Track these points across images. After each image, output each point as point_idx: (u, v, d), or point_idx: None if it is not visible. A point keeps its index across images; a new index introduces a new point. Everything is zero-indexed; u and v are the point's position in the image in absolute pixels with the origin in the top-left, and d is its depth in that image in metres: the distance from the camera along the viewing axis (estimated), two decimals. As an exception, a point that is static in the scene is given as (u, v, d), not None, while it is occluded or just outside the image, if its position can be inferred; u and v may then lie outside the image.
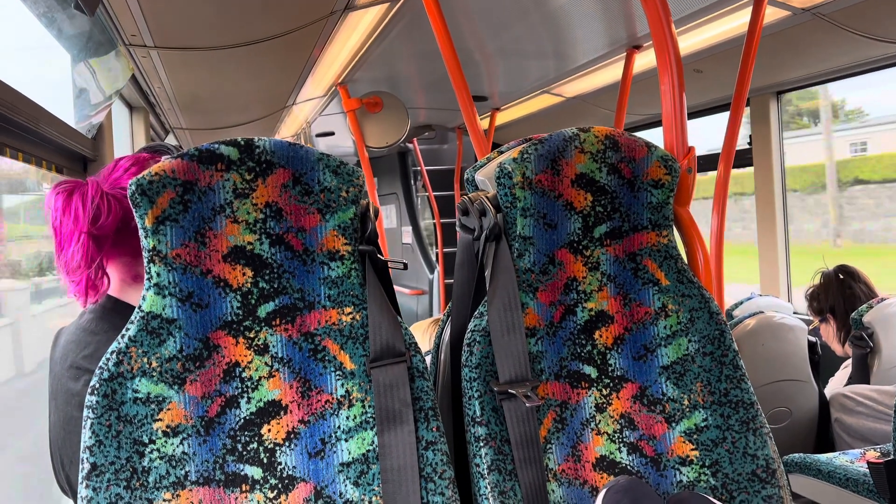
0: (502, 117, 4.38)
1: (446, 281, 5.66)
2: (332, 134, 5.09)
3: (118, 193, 1.23)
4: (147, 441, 0.97)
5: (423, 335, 2.29)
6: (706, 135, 3.81)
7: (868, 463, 1.82)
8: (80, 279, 1.25)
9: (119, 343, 0.98)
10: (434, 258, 6.27)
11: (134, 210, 0.98)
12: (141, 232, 0.99)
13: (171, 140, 4.64)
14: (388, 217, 6.86)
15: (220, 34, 2.37)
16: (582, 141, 1.14)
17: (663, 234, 1.20)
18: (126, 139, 3.42)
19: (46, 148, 1.98)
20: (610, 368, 1.17)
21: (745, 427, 1.15)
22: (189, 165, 0.99)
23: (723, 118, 3.58)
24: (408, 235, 6.56)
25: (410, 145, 5.55)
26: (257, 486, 1.00)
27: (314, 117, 4.40)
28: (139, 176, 0.98)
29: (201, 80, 3.10)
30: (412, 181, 6.56)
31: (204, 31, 2.34)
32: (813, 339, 2.44)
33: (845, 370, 2.56)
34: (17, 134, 1.74)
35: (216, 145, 1.00)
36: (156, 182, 0.98)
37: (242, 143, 1.01)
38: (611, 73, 3.26)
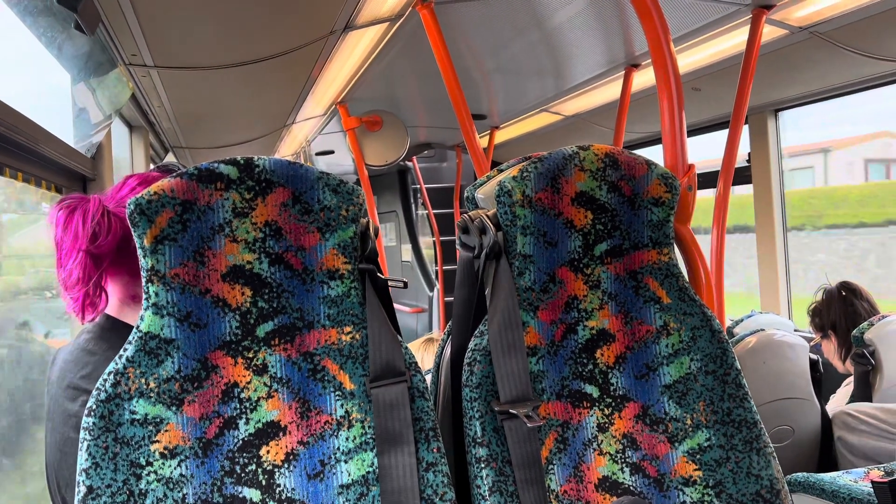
0: (501, 136, 4.40)
1: (446, 299, 5.65)
2: (331, 152, 5.11)
3: (121, 212, 1.23)
4: (144, 463, 0.96)
5: (416, 354, 2.28)
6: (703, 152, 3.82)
7: (872, 482, 1.80)
8: (78, 296, 1.25)
9: (117, 363, 0.98)
10: (434, 276, 6.26)
11: (132, 229, 0.97)
12: (139, 252, 0.98)
13: (170, 158, 4.65)
14: (388, 235, 6.86)
15: (220, 53, 2.38)
16: (582, 159, 1.14)
17: (664, 252, 1.20)
18: (126, 158, 3.43)
19: (46, 167, 1.98)
20: (612, 388, 1.16)
21: (748, 447, 1.14)
22: (188, 185, 0.99)
23: (713, 136, 3.60)
24: (407, 253, 6.56)
25: (410, 163, 5.57)
26: None
27: (314, 136, 4.41)
28: (138, 195, 0.97)
29: (201, 99, 3.11)
30: (412, 199, 6.58)
31: (204, 51, 2.35)
32: (815, 356, 2.43)
33: (847, 388, 2.54)
34: (17, 154, 1.74)
35: (216, 164, 1.00)
36: (154, 201, 0.97)
37: (242, 162, 1.01)
38: (609, 91, 3.27)
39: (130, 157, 3.46)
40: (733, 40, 2.52)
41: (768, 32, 2.36)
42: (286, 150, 5.05)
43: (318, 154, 5.12)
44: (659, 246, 1.19)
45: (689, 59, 2.73)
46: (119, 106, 2.63)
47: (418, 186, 5.63)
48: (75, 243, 1.21)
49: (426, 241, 6.63)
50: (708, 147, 3.72)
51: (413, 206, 6.61)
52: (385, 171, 5.85)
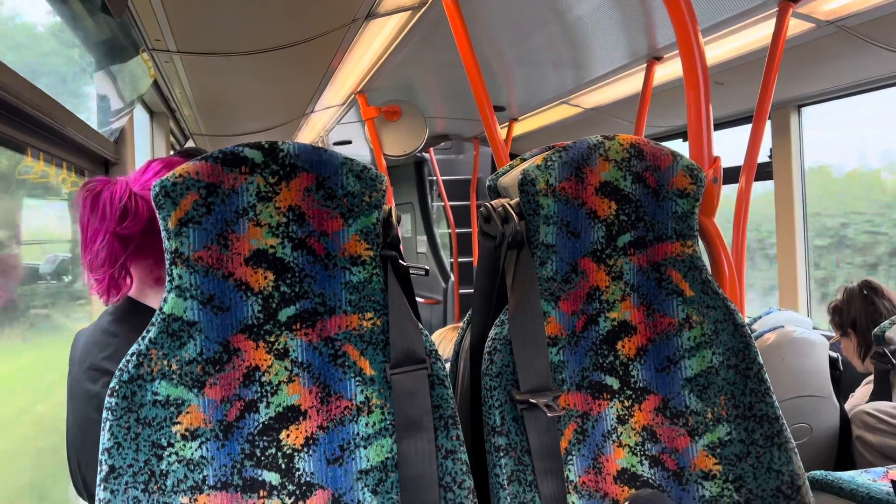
0: (520, 128, 4.38)
1: (461, 290, 5.65)
2: (349, 143, 5.12)
3: (147, 195, 1.23)
4: (166, 444, 0.97)
5: (439, 342, 2.28)
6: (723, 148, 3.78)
7: (892, 481, 1.78)
8: (104, 278, 1.25)
9: (139, 345, 0.98)
10: (449, 267, 6.27)
11: (157, 211, 0.98)
12: (164, 234, 0.98)
13: (190, 145, 4.68)
14: (404, 226, 6.87)
15: (243, 39, 2.38)
16: (606, 149, 1.13)
17: (688, 245, 1.18)
18: (146, 144, 3.45)
19: (70, 150, 2.00)
20: (632, 380, 1.15)
21: (769, 442, 1.13)
22: (213, 168, 0.99)
23: (734, 132, 3.57)
24: (423, 245, 6.57)
25: (427, 155, 5.56)
26: (275, 492, 0.99)
27: (332, 125, 4.41)
28: (163, 178, 0.98)
29: (222, 86, 3.12)
30: (428, 191, 6.58)
31: (226, 36, 2.36)
32: (834, 354, 2.40)
33: (866, 386, 2.52)
34: (42, 135, 1.76)
35: (240, 148, 1.00)
36: (179, 184, 0.97)
37: (267, 146, 1.01)
38: (630, 84, 3.24)
39: (151, 142, 3.48)
40: (758, 34, 2.49)
41: (794, 26, 2.33)
42: (304, 139, 5.07)
43: (336, 144, 5.13)
44: (683, 238, 1.18)
45: (713, 52, 2.70)
46: (142, 91, 2.64)
47: (435, 178, 5.63)
48: (103, 224, 1.21)
49: (441, 233, 6.63)
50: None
51: (429, 197, 6.61)
52: (402, 163, 5.85)
